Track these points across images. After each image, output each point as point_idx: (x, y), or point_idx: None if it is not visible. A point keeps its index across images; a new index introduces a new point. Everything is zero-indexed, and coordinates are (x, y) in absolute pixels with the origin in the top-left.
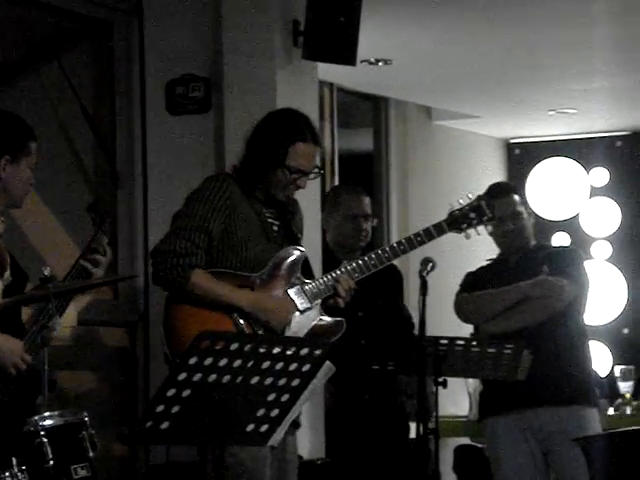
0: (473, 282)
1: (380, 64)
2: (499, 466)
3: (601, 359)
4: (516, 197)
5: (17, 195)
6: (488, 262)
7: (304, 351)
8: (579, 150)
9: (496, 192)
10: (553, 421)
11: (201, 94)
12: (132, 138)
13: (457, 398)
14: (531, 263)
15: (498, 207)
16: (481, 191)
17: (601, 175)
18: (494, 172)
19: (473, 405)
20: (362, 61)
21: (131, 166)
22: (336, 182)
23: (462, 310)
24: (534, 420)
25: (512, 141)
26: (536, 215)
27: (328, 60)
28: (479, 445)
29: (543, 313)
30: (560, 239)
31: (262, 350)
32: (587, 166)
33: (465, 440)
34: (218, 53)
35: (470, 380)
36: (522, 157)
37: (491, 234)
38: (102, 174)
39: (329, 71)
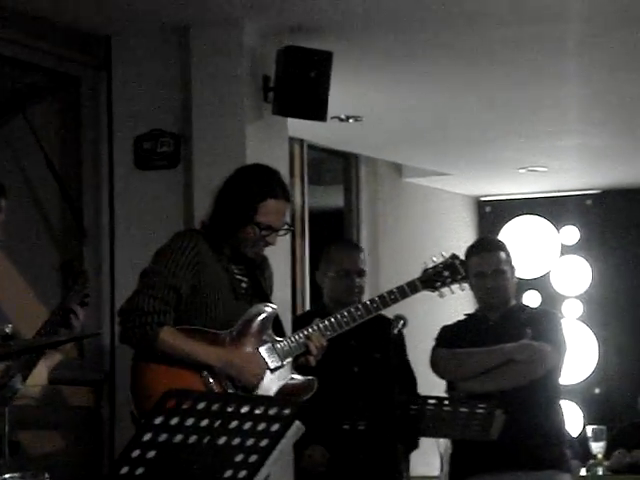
0: (450, 337)
1: (350, 121)
2: None
3: (573, 419)
4: (502, 254)
5: None
6: (465, 317)
7: (273, 410)
8: (550, 208)
9: (482, 247)
10: None
11: (170, 149)
12: (99, 193)
13: (428, 458)
14: (513, 324)
15: (482, 262)
16: (452, 249)
17: (571, 233)
18: (465, 230)
19: (444, 465)
20: (332, 117)
21: (98, 222)
22: (306, 239)
23: (440, 366)
24: None
25: (483, 199)
26: None
27: (298, 116)
28: None
29: (525, 377)
30: (531, 298)
31: (230, 409)
32: (557, 224)
33: None
34: (187, 108)
35: (441, 440)
36: (493, 215)
37: (472, 288)
38: (68, 230)
39: (299, 127)
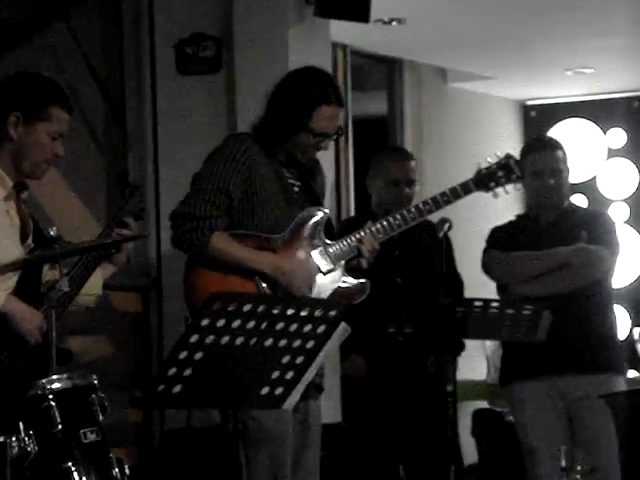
0: (503, 239)
1: (394, 23)
2: (526, 431)
3: (620, 322)
4: (560, 153)
5: (32, 161)
6: (517, 218)
7: (318, 312)
8: (596, 111)
9: (540, 145)
10: (582, 388)
11: (211, 54)
12: (142, 99)
13: (474, 362)
14: (567, 226)
15: (540, 160)
16: (496, 154)
17: (618, 136)
18: (510, 134)
19: (491, 369)
20: (376, 20)
21: (141, 127)
22: (350, 146)
23: (494, 269)
24: (562, 386)
25: (528, 103)
26: None
27: (341, 17)
28: (497, 409)
29: (580, 281)
30: (577, 201)
31: (276, 311)
32: (604, 127)
33: (483, 404)
34: (228, 11)
35: (487, 343)
36: (538, 119)
37: (525, 188)
38: (112, 136)
39: (342, 32)
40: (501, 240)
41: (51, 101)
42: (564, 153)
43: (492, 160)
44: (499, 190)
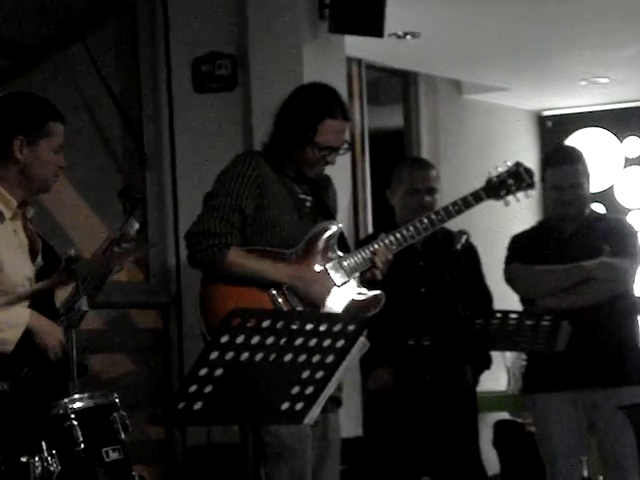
0: (524, 250)
1: (408, 37)
2: (548, 442)
3: None
4: (579, 167)
5: (41, 179)
6: (537, 225)
7: (337, 327)
8: (612, 120)
9: (559, 159)
10: (607, 399)
11: (227, 72)
12: (159, 117)
13: (495, 373)
14: (589, 237)
15: (560, 175)
16: (506, 162)
17: (635, 145)
18: (526, 145)
19: (512, 379)
20: (390, 35)
21: (159, 146)
22: (367, 160)
23: (517, 284)
24: (586, 398)
25: (544, 113)
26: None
27: (355, 32)
28: (519, 420)
29: (605, 295)
30: (597, 209)
31: (295, 327)
32: (620, 136)
33: (504, 415)
34: (243, 29)
35: (508, 354)
36: (554, 129)
37: (547, 199)
38: (130, 155)
39: (357, 47)
40: (523, 251)
41: (48, 117)
42: (584, 163)
43: (502, 169)
44: (510, 198)
